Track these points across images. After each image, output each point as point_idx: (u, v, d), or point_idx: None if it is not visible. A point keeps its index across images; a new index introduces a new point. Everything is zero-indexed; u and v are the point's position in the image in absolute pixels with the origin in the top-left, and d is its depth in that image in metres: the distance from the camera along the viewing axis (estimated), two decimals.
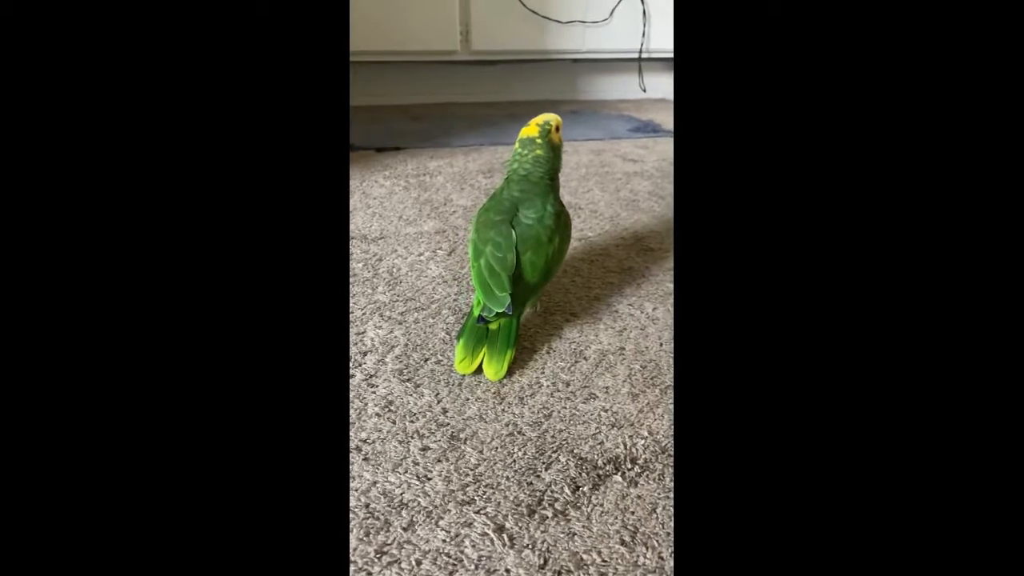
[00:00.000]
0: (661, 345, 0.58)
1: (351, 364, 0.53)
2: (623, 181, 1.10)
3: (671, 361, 0.55)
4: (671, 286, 0.69)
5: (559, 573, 0.35)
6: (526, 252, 0.56)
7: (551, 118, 0.63)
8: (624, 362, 0.55)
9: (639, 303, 0.66)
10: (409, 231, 0.84)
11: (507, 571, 0.35)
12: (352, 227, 0.85)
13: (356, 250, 0.77)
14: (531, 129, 0.62)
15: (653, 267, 0.75)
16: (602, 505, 0.39)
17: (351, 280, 0.69)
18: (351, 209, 0.92)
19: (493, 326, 0.54)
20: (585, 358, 0.55)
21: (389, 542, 0.36)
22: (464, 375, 0.52)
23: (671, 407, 0.49)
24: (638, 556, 0.36)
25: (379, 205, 0.94)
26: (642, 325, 0.61)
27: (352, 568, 0.35)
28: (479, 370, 0.52)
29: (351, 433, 0.45)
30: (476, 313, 0.54)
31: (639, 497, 0.40)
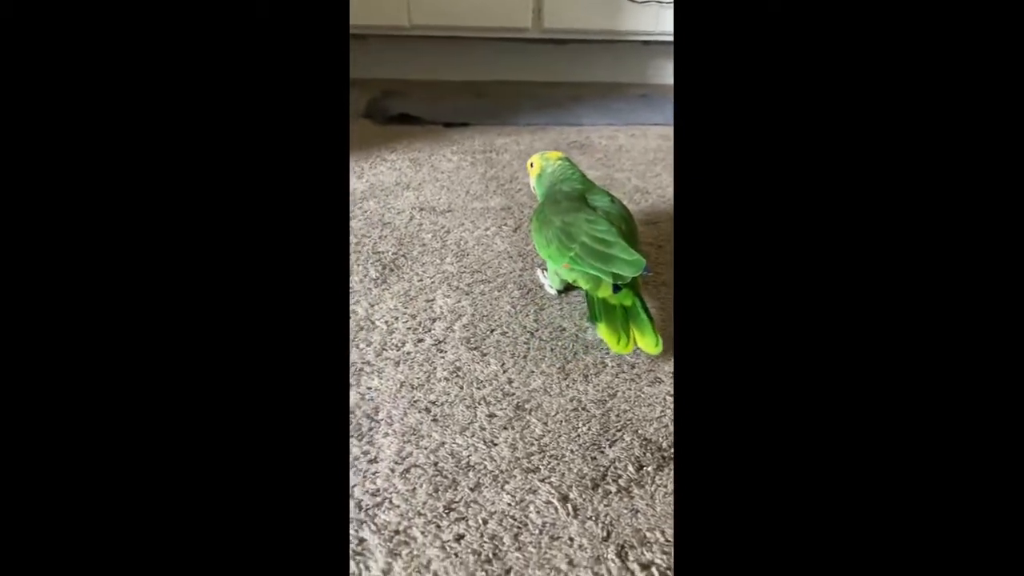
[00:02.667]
0: None
1: (420, 329, 0.55)
2: None
3: None
4: None
5: (622, 547, 0.35)
6: (619, 226, 0.56)
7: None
8: None
9: None
10: (476, 206, 0.85)
11: (571, 539, 0.35)
12: (422, 199, 0.86)
13: (425, 221, 0.79)
14: (556, 153, 0.69)
15: None
16: (666, 486, 0.39)
17: (420, 249, 0.71)
18: (420, 181, 0.93)
19: (628, 302, 0.52)
20: None
21: (457, 500, 0.37)
22: (613, 349, 0.50)
23: None
24: None
25: (447, 179, 0.95)
26: None
27: (422, 520, 0.36)
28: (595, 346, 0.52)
29: (420, 395, 0.46)
30: (600, 295, 0.53)
31: None
